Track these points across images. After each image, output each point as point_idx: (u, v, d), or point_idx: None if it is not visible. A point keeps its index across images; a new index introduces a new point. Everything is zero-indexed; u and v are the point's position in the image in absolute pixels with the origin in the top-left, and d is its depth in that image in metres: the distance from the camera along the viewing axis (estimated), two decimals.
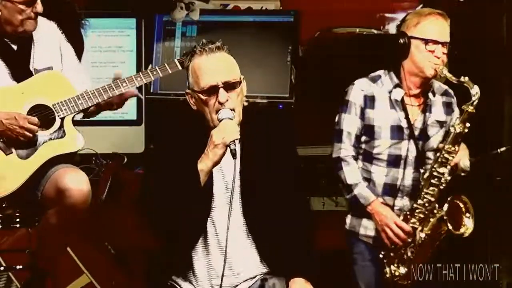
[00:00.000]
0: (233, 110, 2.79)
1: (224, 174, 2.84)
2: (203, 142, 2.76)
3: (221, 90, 2.77)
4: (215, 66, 2.80)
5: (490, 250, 3.78)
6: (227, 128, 2.72)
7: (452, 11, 4.17)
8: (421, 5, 4.67)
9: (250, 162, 2.81)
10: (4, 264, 3.68)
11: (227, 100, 2.77)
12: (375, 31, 4.58)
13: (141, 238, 4.00)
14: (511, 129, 4.07)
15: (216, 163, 2.75)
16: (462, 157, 3.35)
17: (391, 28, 4.73)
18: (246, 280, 2.84)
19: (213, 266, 2.82)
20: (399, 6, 4.81)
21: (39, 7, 3.18)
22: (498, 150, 3.44)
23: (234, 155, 2.69)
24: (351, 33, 4.50)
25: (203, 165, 2.75)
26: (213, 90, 2.78)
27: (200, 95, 2.80)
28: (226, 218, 2.77)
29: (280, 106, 4.34)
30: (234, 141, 2.70)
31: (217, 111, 2.78)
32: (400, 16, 4.73)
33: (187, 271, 2.85)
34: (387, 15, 4.79)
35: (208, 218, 2.81)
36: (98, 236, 4.09)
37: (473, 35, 4.18)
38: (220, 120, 2.76)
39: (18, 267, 3.52)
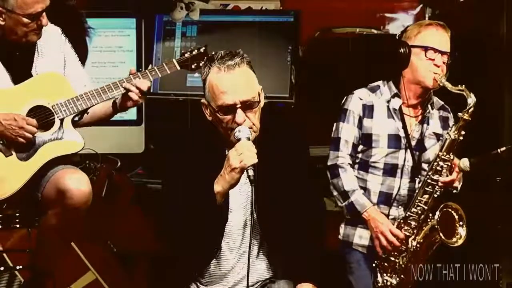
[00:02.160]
0: (250, 128, 2.70)
1: (240, 189, 2.78)
2: (219, 155, 2.72)
3: (239, 111, 2.68)
4: (233, 84, 2.68)
5: (490, 250, 3.78)
6: (245, 152, 2.62)
7: (452, 11, 4.18)
8: (421, 5, 4.68)
9: (262, 176, 2.68)
10: (10, 263, 3.68)
11: (244, 120, 2.69)
12: (375, 31, 4.59)
13: (140, 240, 4.02)
14: (511, 129, 4.07)
15: (233, 185, 2.67)
16: (462, 159, 3.35)
17: (391, 28, 4.74)
18: (254, 285, 2.84)
19: (228, 278, 2.81)
20: (399, 6, 4.81)
21: (44, 21, 3.16)
22: (498, 150, 3.42)
23: (252, 181, 2.60)
24: (351, 33, 4.50)
25: (219, 187, 2.68)
26: (230, 109, 2.69)
27: (217, 114, 2.71)
28: (240, 231, 2.77)
29: (280, 106, 4.34)
30: (252, 165, 2.60)
31: (233, 129, 2.69)
32: (400, 16, 4.76)
33: (202, 280, 2.84)
34: (387, 15, 4.80)
35: (224, 233, 2.78)
36: (99, 235, 4.09)
37: (473, 35, 4.18)
38: (237, 139, 2.67)
39: (18, 267, 3.52)
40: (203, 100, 2.80)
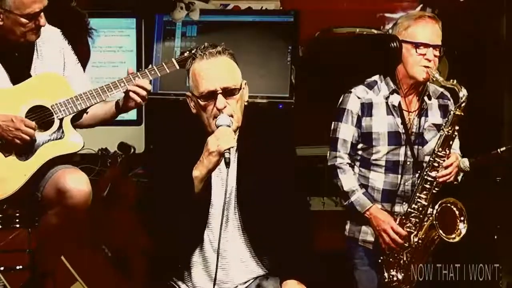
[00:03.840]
0: (231, 116, 2.74)
1: (223, 181, 2.78)
2: (201, 147, 2.73)
3: (220, 96, 2.72)
4: (214, 71, 2.74)
5: (490, 250, 3.78)
6: (223, 136, 2.67)
7: (452, 11, 4.18)
8: (421, 5, 4.68)
9: (248, 168, 2.76)
10: None
11: (225, 107, 2.72)
12: (375, 31, 4.57)
13: (141, 238, 4.01)
14: (511, 129, 4.07)
15: (211, 170, 2.71)
16: (461, 159, 3.35)
17: None
18: (246, 282, 2.82)
19: (210, 272, 2.79)
20: (399, 6, 4.81)
21: (42, 21, 3.15)
22: (498, 150, 3.42)
23: (227, 164, 2.65)
24: (351, 33, 4.50)
25: (197, 172, 2.71)
26: (211, 96, 2.73)
27: (199, 100, 2.76)
28: (224, 225, 2.76)
29: (280, 106, 4.35)
30: (229, 149, 2.65)
31: (215, 117, 2.73)
32: (400, 16, 4.75)
33: (185, 274, 2.84)
34: (387, 15, 4.79)
35: (206, 225, 2.78)
36: (96, 238, 4.08)
37: (473, 35, 4.18)
38: (217, 127, 2.71)
39: (18, 267, 3.52)
40: (187, 93, 2.84)
